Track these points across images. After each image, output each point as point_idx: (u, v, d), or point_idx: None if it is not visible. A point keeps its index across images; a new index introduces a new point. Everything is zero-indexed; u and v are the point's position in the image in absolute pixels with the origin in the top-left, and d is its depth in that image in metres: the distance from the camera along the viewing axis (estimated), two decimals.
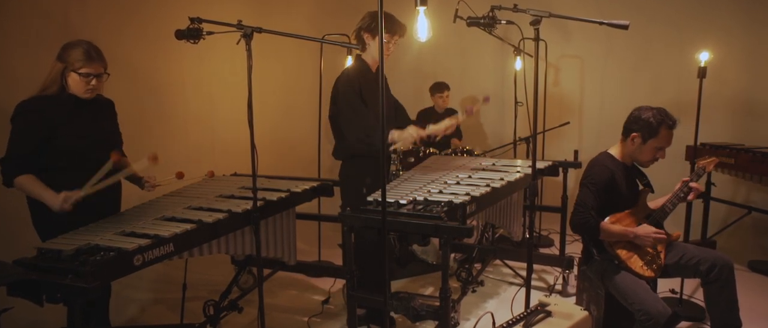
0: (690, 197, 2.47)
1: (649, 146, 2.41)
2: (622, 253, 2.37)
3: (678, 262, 2.44)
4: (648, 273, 2.38)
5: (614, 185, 2.42)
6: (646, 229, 2.37)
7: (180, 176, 2.48)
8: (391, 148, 2.61)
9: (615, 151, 2.52)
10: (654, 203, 2.54)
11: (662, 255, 2.45)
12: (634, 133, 2.40)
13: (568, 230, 3.64)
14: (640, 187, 2.54)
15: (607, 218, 2.39)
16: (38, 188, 2.06)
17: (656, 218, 2.46)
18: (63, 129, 2.13)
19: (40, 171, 2.14)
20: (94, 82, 2.15)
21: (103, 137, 2.27)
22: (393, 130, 2.58)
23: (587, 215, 2.33)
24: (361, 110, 2.59)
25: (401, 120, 2.93)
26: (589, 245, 2.49)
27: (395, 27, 2.62)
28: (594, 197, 2.36)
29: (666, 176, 2.97)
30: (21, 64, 2.77)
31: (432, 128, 2.63)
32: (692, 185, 2.44)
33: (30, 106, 2.10)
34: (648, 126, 2.37)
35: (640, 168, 2.57)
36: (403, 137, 2.56)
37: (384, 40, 2.61)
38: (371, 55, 2.69)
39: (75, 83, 2.13)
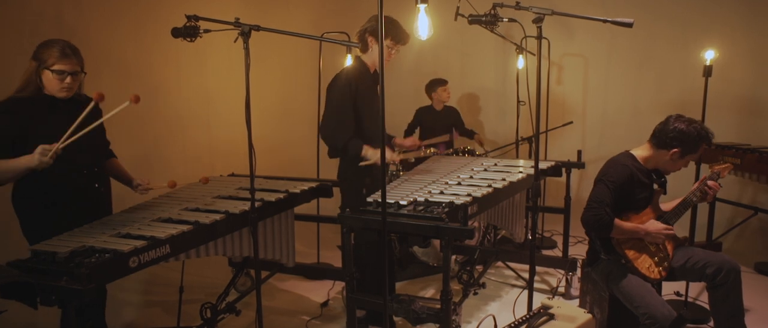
0: (708, 198, 2.46)
1: (685, 160, 2.40)
2: (631, 253, 2.33)
3: (684, 265, 2.40)
4: (654, 275, 2.34)
5: (632, 186, 2.38)
6: (655, 225, 2.34)
7: (172, 185, 2.40)
8: (361, 163, 2.65)
9: (639, 153, 2.45)
10: (666, 205, 2.51)
11: (671, 257, 2.41)
12: (676, 149, 2.35)
13: (572, 232, 3.61)
14: (655, 186, 2.49)
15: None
16: (11, 163, 1.97)
17: (667, 218, 2.42)
18: (38, 130, 2.07)
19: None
20: (68, 80, 2.09)
21: (83, 138, 2.19)
22: (367, 146, 2.63)
23: (601, 211, 2.27)
24: (345, 119, 2.62)
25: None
26: (596, 246, 2.45)
27: (399, 35, 2.65)
28: (610, 194, 2.31)
29: (672, 177, 2.93)
30: (14, 63, 2.73)
31: (401, 156, 2.99)
32: (710, 182, 2.43)
33: (3, 107, 2.05)
34: (691, 143, 2.33)
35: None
36: (371, 157, 2.61)
37: (386, 46, 2.63)
38: (371, 57, 2.71)
39: (49, 81, 2.08)
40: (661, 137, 2.37)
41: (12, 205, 2.17)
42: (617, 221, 2.30)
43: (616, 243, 2.34)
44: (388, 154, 2.67)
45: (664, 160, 2.40)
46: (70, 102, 2.17)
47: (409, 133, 4.62)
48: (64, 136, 1.96)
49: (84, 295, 1.64)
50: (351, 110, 2.63)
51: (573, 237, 3.90)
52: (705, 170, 2.73)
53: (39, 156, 1.91)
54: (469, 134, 4.63)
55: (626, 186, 2.35)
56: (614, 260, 2.37)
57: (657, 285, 2.55)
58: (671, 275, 2.43)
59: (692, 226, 3.29)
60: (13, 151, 2.07)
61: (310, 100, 4.01)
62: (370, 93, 2.69)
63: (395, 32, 2.62)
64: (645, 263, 2.34)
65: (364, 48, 2.70)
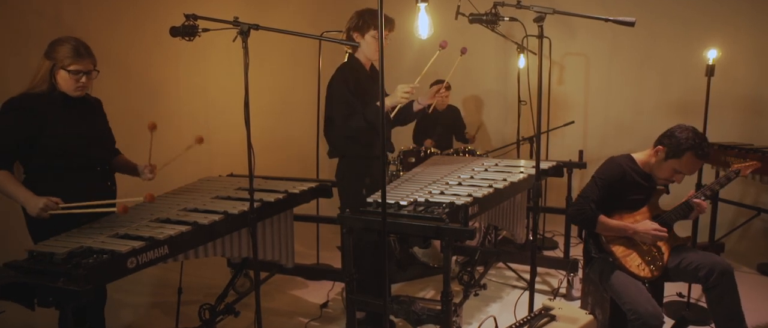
0: (691, 215, 2.42)
1: (668, 165, 2.33)
2: (618, 250, 2.33)
3: (677, 266, 2.39)
4: (644, 273, 2.33)
5: (623, 186, 2.37)
6: (646, 225, 2.32)
7: (200, 140, 2.38)
8: (393, 113, 2.54)
9: (639, 156, 2.44)
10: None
11: (665, 256, 2.39)
12: (660, 147, 2.33)
13: (573, 232, 3.59)
14: (659, 187, 2.47)
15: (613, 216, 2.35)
16: (15, 188, 2.01)
17: (665, 219, 2.40)
18: (52, 128, 2.09)
19: (32, 171, 2.10)
20: (84, 79, 2.11)
21: (95, 136, 2.23)
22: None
23: (585, 206, 2.30)
24: (353, 104, 2.57)
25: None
26: (588, 244, 2.45)
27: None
28: (598, 191, 2.34)
29: None
30: (12, 63, 2.74)
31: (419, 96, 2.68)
32: (695, 201, 2.39)
33: (17, 103, 2.06)
34: (676, 145, 2.28)
35: None
36: (395, 99, 2.48)
37: (374, 37, 2.59)
38: (363, 53, 2.68)
39: (64, 81, 2.10)
40: (659, 137, 2.38)
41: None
42: (603, 217, 2.31)
43: (604, 241, 2.35)
44: (401, 86, 2.47)
45: (653, 160, 2.38)
46: (81, 101, 2.18)
47: (411, 138, 4.61)
48: (73, 206, 1.97)
49: (81, 296, 1.62)
50: (354, 100, 2.58)
51: (574, 238, 3.88)
52: (707, 171, 2.70)
53: (40, 210, 1.94)
54: (466, 141, 4.62)
55: (616, 185, 2.35)
56: (604, 258, 2.38)
57: (659, 286, 2.53)
58: (666, 276, 2.42)
59: (694, 227, 3.27)
60: (20, 148, 2.07)
61: (310, 100, 3.99)
62: (367, 90, 2.67)
63: (377, 21, 2.58)
64: (635, 261, 2.34)
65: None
